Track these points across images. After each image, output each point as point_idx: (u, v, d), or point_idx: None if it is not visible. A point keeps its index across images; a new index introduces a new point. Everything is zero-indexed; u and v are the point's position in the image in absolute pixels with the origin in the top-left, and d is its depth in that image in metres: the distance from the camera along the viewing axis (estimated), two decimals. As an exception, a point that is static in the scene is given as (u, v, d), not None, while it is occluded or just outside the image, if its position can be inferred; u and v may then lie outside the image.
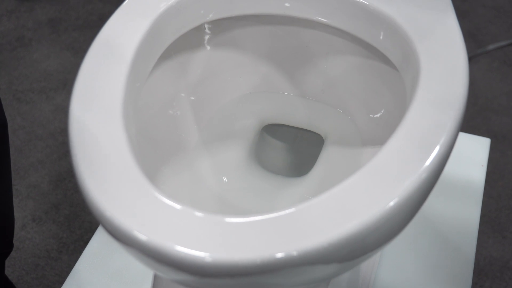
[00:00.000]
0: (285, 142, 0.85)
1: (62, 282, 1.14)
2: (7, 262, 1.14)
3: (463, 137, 1.06)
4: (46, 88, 1.57)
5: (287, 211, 0.48)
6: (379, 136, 0.72)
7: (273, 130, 0.87)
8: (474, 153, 1.05)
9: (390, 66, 0.69)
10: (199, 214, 0.48)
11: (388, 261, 0.92)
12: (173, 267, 0.46)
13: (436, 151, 0.51)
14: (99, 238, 0.99)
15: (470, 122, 1.49)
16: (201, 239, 0.46)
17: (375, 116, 0.76)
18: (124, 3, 0.68)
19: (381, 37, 0.67)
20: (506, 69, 1.64)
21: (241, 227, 0.47)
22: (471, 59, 1.62)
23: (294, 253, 0.45)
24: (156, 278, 0.75)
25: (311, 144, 0.85)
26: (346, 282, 0.78)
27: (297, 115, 0.84)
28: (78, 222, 1.26)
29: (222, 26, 0.78)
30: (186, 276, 0.47)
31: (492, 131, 1.47)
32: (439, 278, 0.92)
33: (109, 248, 0.96)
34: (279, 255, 0.45)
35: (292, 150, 0.84)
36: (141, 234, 0.47)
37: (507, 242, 1.24)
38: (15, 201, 1.29)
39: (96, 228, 1.20)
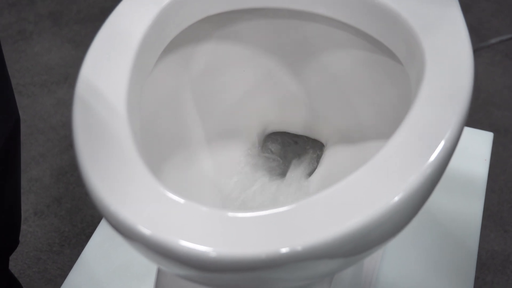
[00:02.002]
0: (286, 146, 0.85)
1: (64, 275, 1.15)
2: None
3: (466, 131, 1.06)
4: (47, 82, 1.57)
5: (292, 206, 0.47)
6: (383, 131, 0.72)
7: (275, 128, 0.86)
8: (477, 148, 1.04)
9: (394, 60, 0.69)
10: (203, 208, 0.48)
11: (391, 255, 0.92)
12: (178, 261, 0.46)
13: (441, 146, 0.51)
14: (102, 232, 0.99)
15: (473, 116, 1.48)
16: (206, 234, 0.46)
17: (380, 111, 0.76)
18: (127, -4, 0.67)
19: (386, 31, 0.66)
20: (508, 63, 1.64)
21: (245, 222, 0.46)
22: (473, 52, 1.61)
23: (299, 248, 0.45)
24: (159, 273, 0.75)
25: (314, 142, 0.85)
26: (350, 276, 0.78)
27: (300, 110, 0.83)
28: (80, 216, 1.26)
29: (226, 20, 0.77)
30: (190, 271, 0.47)
31: (495, 125, 1.46)
32: (442, 272, 0.92)
33: (112, 242, 0.96)
34: (284, 250, 0.45)
35: (293, 154, 0.84)
36: (146, 229, 0.46)
37: (509, 236, 1.24)
38: (17, 195, 1.29)
39: (98, 222, 1.20)
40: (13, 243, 0.90)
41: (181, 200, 0.48)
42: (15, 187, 0.85)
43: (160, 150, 0.71)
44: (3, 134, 0.76)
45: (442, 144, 0.51)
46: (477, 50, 1.66)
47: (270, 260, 0.45)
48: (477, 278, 1.17)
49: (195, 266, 0.46)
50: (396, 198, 0.47)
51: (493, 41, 1.65)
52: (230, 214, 0.47)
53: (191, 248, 0.45)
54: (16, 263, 1.18)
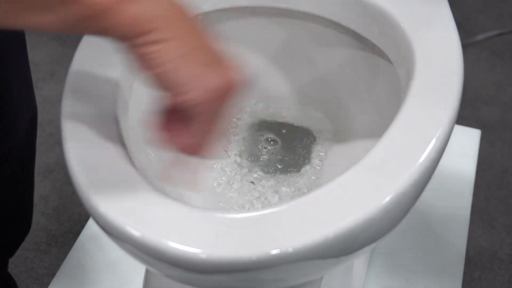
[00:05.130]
0: (278, 138, 0.85)
1: (51, 274, 1.14)
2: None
3: (454, 128, 1.07)
4: (33, 79, 1.55)
5: (283, 206, 0.47)
6: (374, 130, 0.72)
7: (265, 126, 0.86)
8: (465, 145, 1.05)
9: (384, 59, 0.69)
10: (193, 209, 0.47)
11: (381, 253, 0.93)
12: (167, 263, 0.46)
13: (431, 146, 0.51)
14: (90, 230, 0.99)
15: (459, 113, 1.48)
16: (196, 235, 0.46)
17: (370, 109, 0.76)
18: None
19: (376, 30, 0.66)
20: (495, 59, 1.65)
21: (236, 223, 0.46)
22: (460, 49, 1.61)
23: (290, 249, 0.44)
24: (148, 271, 0.74)
25: (305, 140, 0.84)
26: (339, 274, 0.78)
27: (290, 109, 0.83)
28: (67, 214, 1.25)
29: (214, 18, 0.77)
30: (180, 272, 0.47)
31: (481, 121, 1.47)
32: (431, 270, 0.92)
33: (101, 241, 0.95)
34: (275, 251, 0.44)
35: (285, 146, 0.84)
36: (135, 230, 0.46)
37: (496, 232, 1.24)
38: (3, 193, 1.28)
39: (85, 220, 1.19)
40: (24, 233, 0.90)
41: (171, 201, 0.48)
42: (30, 178, 0.86)
43: (149, 149, 0.71)
44: (24, 125, 0.76)
45: (432, 143, 0.51)
46: (464, 47, 1.66)
47: (261, 262, 0.44)
48: (464, 274, 1.17)
49: (185, 268, 0.45)
50: (388, 198, 0.47)
51: (479, 37, 1.66)
52: (221, 215, 0.47)
53: (180, 249, 0.45)
54: (2, 262, 1.17)
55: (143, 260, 0.48)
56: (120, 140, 0.53)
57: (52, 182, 1.31)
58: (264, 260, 0.44)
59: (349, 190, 0.48)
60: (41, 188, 1.30)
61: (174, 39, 0.43)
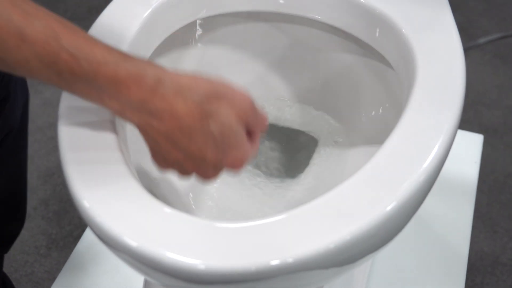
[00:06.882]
0: (278, 142, 0.85)
1: (51, 279, 1.13)
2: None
3: (457, 133, 1.07)
4: (34, 82, 1.55)
5: (282, 216, 0.47)
6: (375, 136, 0.71)
7: (266, 130, 0.86)
8: (467, 150, 1.04)
9: (386, 65, 0.68)
10: (191, 219, 0.47)
11: (382, 258, 0.92)
12: (165, 274, 0.45)
13: (434, 153, 0.51)
14: (91, 234, 0.98)
15: (462, 116, 1.47)
16: (194, 245, 0.45)
17: (371, 115, 0.76)
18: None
19: (377, 35, 0.66)
20: (497, 62, 1.64)
21: (234, 233, 0.46)
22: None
23: (290, 260, 0.44)
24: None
25: (305, 145, 0.84)
26: (341, 280, 0.78)
27: (291, 114, 0.83)
28: (67, 218, 1.25)
29: (215, 23, 0.77)
30: (178, 282, 0.46)
31: (483, 125, 1.46)
32: (433, 275, 0.92)
33: (101, 246, 0.95)
34: (274, 262, 0.44)
35: (285, 151, 0.84)
36: (132, 240, 0.45)
37: (498, 237, 1.24)
38: (3, 197, 1.27)
39: (86, 225, 1.19)
40: (18, 226, 0.89)
41: (168, 210, 0.47)
42: (23, 165, 0.84)
43: (149, 158, 0.70)
44: (19, 110, 0.76)
45: (435, 150, 0.51)
46: (466, 50, 1.65)
47: (260, 273, 0.44)
48: (466, 279, 1.16)
49: (183, 279, 0.45)
50: (389, 207, 0.47)
51: (482, 40, 1.65)
52: (219, 224, 0.46)
53: (178, 260, 0.44)
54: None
55: (140, 270, 0.48)
56: (117, 146, 0.52)
57: (52, 186, 1.31)
58: (264, 271, 0.44)
59: (351, 198, 0.48)
60: (41, 192, 1.30)
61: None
